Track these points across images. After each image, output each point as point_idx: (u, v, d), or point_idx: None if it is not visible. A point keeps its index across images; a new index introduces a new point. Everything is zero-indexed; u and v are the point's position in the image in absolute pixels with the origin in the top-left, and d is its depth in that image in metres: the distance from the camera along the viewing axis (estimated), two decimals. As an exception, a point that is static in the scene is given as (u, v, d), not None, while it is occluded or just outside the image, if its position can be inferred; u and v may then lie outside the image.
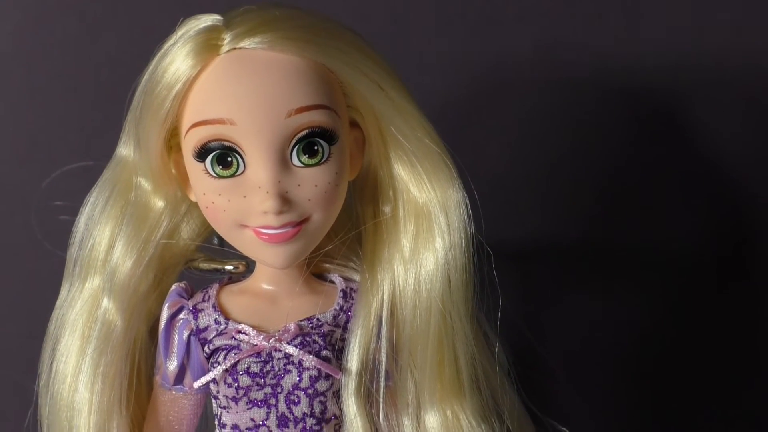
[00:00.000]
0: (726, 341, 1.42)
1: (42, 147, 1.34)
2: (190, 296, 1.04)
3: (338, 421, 1.02)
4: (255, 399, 1.00)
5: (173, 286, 1.04)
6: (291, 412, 1.00)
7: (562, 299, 1.39)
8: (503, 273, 1.01)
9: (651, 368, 1.41)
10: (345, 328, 1.02)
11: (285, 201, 0.96)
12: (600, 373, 1.40)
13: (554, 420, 1.11)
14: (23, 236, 1.30)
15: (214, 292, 1.04)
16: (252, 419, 1.01)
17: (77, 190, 1.05)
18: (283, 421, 1.00)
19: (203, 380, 1.01)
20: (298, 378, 1.00)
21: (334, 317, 1.02)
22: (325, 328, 1.01)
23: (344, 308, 1.03)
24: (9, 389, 1.30)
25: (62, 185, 1.17)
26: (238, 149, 0.95)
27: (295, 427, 1.01)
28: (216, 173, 0.96)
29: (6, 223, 1.36)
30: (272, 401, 1.00)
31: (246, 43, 0.95)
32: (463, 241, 1.00)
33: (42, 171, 1.23)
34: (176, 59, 0.95)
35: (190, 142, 0.96)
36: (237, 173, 0.96)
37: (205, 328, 1.02)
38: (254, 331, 1.00)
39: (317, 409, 1.01)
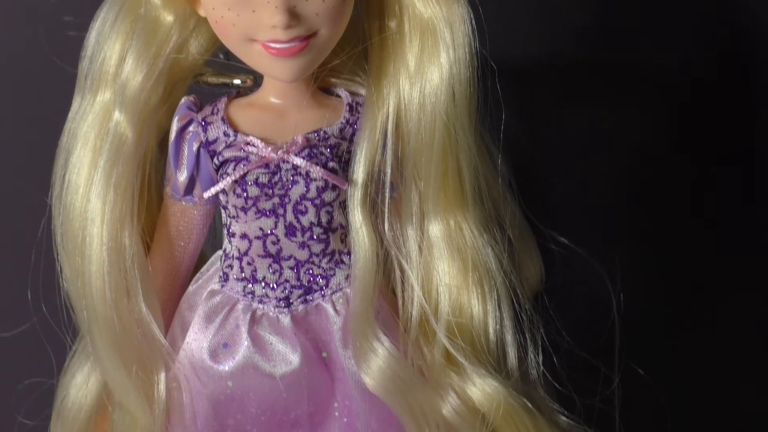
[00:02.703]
0: (725, 152, 1.44)
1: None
2: (199, 110, 1.05)
3: (344, 230, 1.04)
4: (263, 209, 1.02)
5: (182, 100, 1.05)
6: (298, 221, 1.02)
7: (563, 114, 1.39)
8: (506, 88, 1.02)
9: (650, 177, 1.43)
10: (351, 141, 1.03)
11: (293, 15, 0.96)
12: (599, 186, 1.41)
13: (554, 231, 1.12)
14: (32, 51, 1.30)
15: (223, 105, 1.04)
16: (260, 228, 1.02)
17: (86, 6, 1.05)
18: (290, 230, 1.02)
19: (212, 191, 1.02)
20: (305, 188, 1.01)
21: (341, 130, 1.03)
22: (332, 141, 1.02)
23: (350, 121, 1.03)
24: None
25: (71, 1, 1.16)
26: None
27: (302, 236, 1.02)
28: None
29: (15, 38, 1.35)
30: (280, 211, 1.02)
31: None
32: (467, 55, 1.00)
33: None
34: None
35: None
36: None
37: (215, 140, 1.03)
38: (262, 143, 1.01)
39: (324, 219, 1.02)
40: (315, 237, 1.03)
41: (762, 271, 1.46)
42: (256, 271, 1.03)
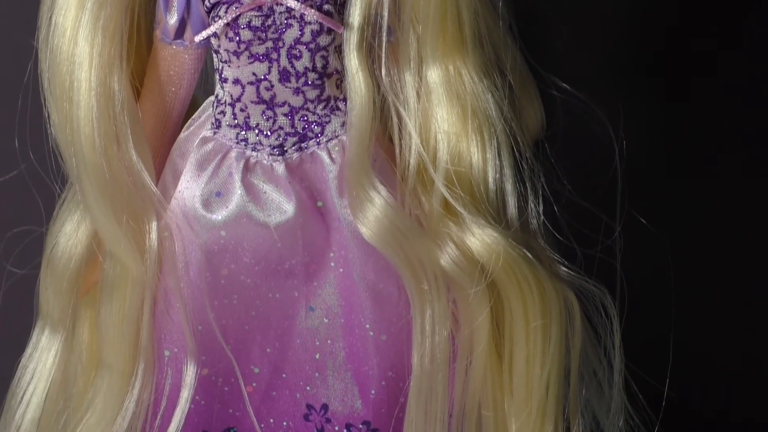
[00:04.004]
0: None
1: None
2: None
3: (340, 76, 1.02)
4: (256, 53, 1.00)
5: (171, -62, 1.02)
6: (293, 66, 1.00)
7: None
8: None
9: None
10: None
11: None
12: (602, 29, 1.39)
13: (556, 77, 1.11)
14: None
15: None
16: (253, 73, 1.01)
17: None
18: (284, 75, 1.00)
19: (204, 34, 1.01)
20: (299, 32, 0.99)
21: (336, -30, 1.01)
22: (327, -16, 1.00)
23: None
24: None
25: None
26: None
27: (296, 82, 1.01)
28: None
29: None
30: (274, 55, 1.00)
31: None
32: None
33: None
34: None
35: None
36: None
37: (205, -19, 1.00)
38: None
39: (319, 64, 1.01)
40: (310, 83, 1.01)
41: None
42: (249, 117, 1.02)
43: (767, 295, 1.55)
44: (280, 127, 1.02)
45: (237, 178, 1.01)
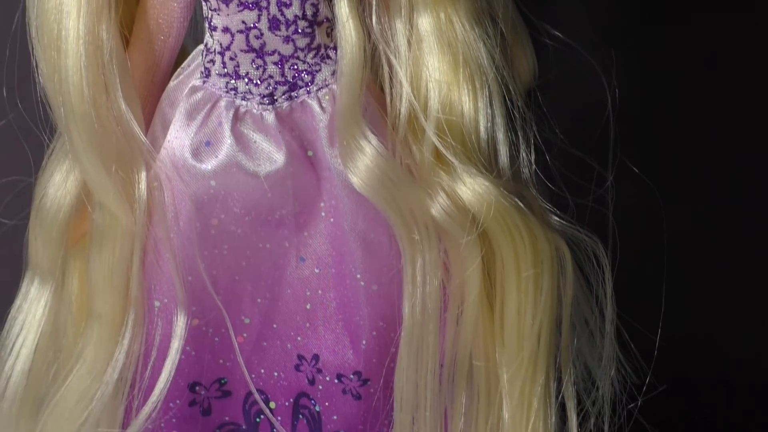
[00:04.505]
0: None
1: None
2: None
3: (330, 24, 1.01)
4: (246, 1, 0.99)
5: None
6: (282, 14, 0.99)
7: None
8: None
9: None
10: None
11: None
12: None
13: (548, 24, 1.10)
14: None
15: None
16: (243, 22, 1.00)
17: None
18: (274, 23, 1.00)
19: (192, -20, 1.00)
20: (289, -18, 0.99)
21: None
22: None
23: None
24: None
25: None
26: None
27: (286, 30, 1.00)
28: None
29: None
30: (263, 3, 0.99)
31: None
32: None
33: None
34: None
35: None
36: None
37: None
38: None
39: (309, 12, 1.00)
40: (300, 30, 1.00)
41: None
42: (238, 66, 1.01)
43: (760, 240, 1.55)
44: (270, 76, 1.01)
45: (227, 127, 1.01)
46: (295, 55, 1.01)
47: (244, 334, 1.04)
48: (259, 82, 1.01)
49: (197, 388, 1.04)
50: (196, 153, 1.01)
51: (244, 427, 1.06)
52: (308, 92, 1.01)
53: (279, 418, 1.05)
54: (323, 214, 1.02)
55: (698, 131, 1.47)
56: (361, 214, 1.00)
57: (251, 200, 1.01)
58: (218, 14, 1.00)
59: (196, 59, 1.05)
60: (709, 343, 1.56)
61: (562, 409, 1.05)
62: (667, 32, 1.43)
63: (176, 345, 1.01)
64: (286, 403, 1.05)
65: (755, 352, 1.58)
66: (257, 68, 1.01)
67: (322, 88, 1.02)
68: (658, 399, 1.15)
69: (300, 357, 1.04)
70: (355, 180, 0.99)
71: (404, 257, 0.99)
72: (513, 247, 1.00)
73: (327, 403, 1.04)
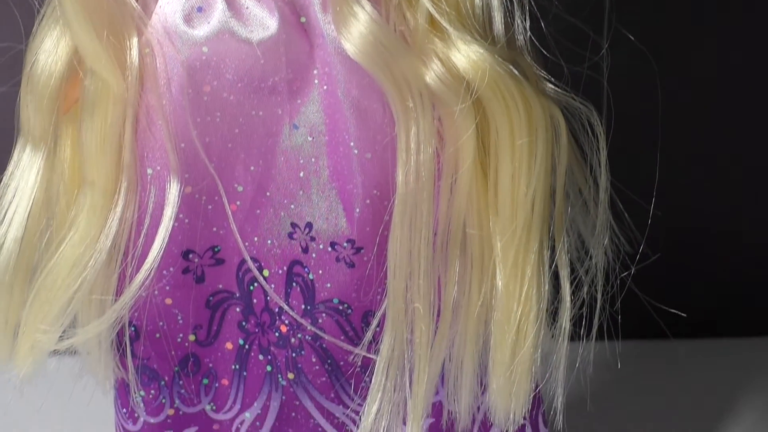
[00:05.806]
0: None
1: None
2: None
3: None
4: None
5: None
6: None
7: None
8: None
9: None
10: None
11: None
12: None
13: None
14: None
15: None
16: None
17: None
18: None
19: None
20: None
21: None
22: None
23: None
24: None
25: None
26: None
27: None
28: None
29: None
30: None
31: None
32: None
33: None
34: None
35: None
36: None
37: None
38: None
39: None
40: None
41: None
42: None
43: (756, 116, 1.54)
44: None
45: (218, -8, 0.99)
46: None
47: (237, 202, 1.03)
48: (251, -54, 0.99)
49: (190, 255, 1.04)
50: (188, 19, 0.99)
51: (237, 294, 1.06)
52: (301, -44, 1.00)
53: (272, 285, 1.05)
54: (316, 81, 1.01)
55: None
56: (354, 81, 0.99)
57: (244, 67, 1.00)
58: None
59: (187, -77, 1.02)
60: (702, 213, 1.56)
61: (555, 277, 1.05)
62: None
63: (169, 212, 1.01)
64: (280, 271, 1.05)
65: (748, 220, 1.58)
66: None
67: (314, -48, 1.00)
68: (651, 268, 1.16)
69: (293, 225, 1.04)
70: (349, 46, 0.97)
71: (398, 125, 0.98)
72: (507, 115, 0.99)
73: (320, 271, 1.04)
